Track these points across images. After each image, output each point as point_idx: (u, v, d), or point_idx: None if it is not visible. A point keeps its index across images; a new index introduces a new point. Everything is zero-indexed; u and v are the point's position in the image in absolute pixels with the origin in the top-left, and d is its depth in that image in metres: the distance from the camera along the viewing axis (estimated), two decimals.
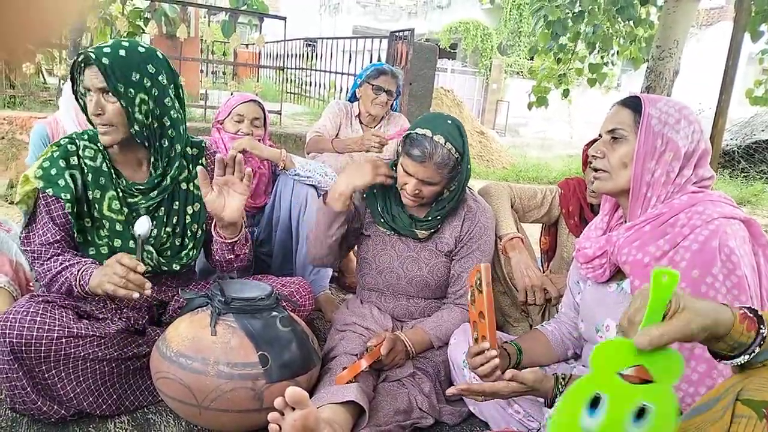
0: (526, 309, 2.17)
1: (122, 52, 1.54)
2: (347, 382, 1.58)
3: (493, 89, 17.98)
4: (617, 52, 8.02)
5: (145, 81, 1.57)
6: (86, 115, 1.62)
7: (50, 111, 3.65)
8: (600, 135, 1.45)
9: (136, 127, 1.59)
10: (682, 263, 1.23)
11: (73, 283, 1.53)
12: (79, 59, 1.56)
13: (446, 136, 1.73)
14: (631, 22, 7.58)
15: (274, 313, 1.61)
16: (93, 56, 1.51)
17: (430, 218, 1.88)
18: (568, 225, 2.19)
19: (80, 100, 1.65)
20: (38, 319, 1.47)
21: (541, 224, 2.35)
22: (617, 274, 1.44)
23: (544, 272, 2.27)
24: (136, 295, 1.44)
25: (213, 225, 1.75)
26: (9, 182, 4.13)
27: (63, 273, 1.55)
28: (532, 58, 13.11)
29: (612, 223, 1.51)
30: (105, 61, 1.51)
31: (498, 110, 17.72)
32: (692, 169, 1.34)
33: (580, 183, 2.17)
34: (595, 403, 0.83)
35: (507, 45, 18.92)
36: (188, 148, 1.80)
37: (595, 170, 1.42)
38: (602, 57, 7.76)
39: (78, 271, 1.53)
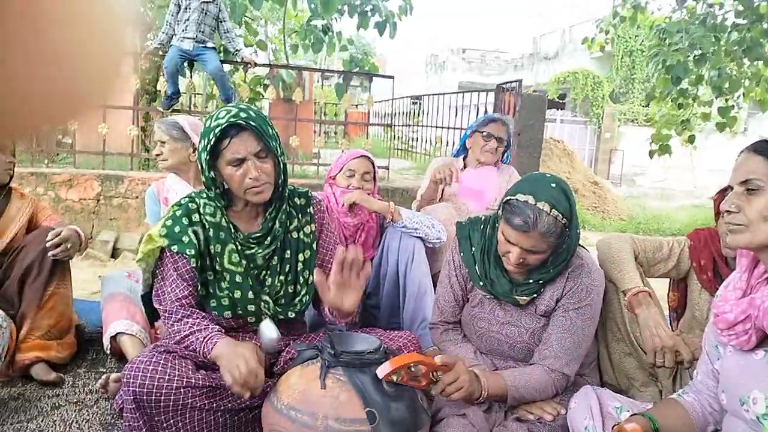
0: (655, 372, 1.98)
1: (254, 113, 1.64)
2: (386, 376, 1.47)
3: (605, 138, 17.36)
4: (743, 94, 7.49)
5: (275, 135, 1.68)
6: (214, 184, 1.69)
7: None
8: (730, 186, 1.31)
9: (279, 181, 1.70)
10: None
11: (198, 348, 1.59)
12: (220, 130, 1.59)
13: (551, 202, 1.60)
14: (758, 63, 7.07)
15: None
16: (244, 122, 1.59)
17: (531, 282, 1.75)
18: (700, 280, 1.99)
19: (207, 168, 1.66)
20: (159, 369, 1.53)
21: (669, 279, 2.16)
22: (765, 340, 1.27)
23: (673, 331, 2.08)
24: (248, 395, 1.48)
25: (328, 309, 1.78)
26: (140, 237, 4.51)
27: (189, 337, 1.61)
28: (647, 105, 12.56)
29: (753, 282, 1.34)
30: (254, 124, 1.60)
31: (612, 159, 17.03)
32: None
33: (713, 234, 1.98)
34: None
35: (619, 92, 18.31)
36: (296, 198, 1.86)
37: (729, 224, 1.29)
38: (726, 100, 7.27)
39: (204, 338, 1.59)
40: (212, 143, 1.61)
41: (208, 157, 1.64)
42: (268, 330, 1.61)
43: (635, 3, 8.14)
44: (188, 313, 1.66)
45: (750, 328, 1.26)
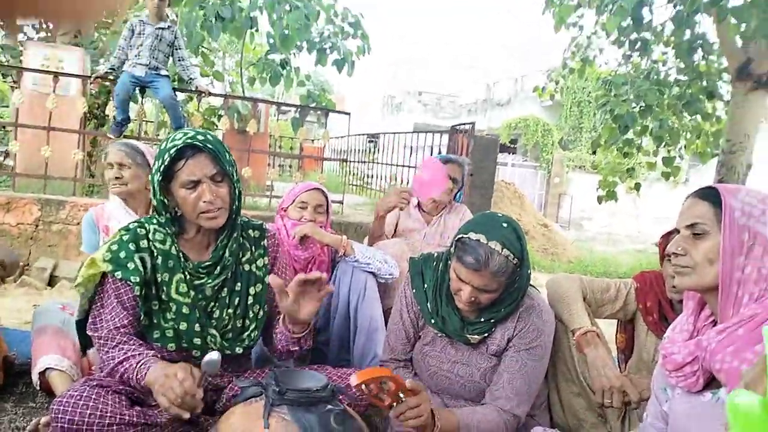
0: (604, 413, 1.97)
1: (210, 137, 1.59)
2: (357, 385, 1.42)
3: (554, 183, 17.91)
4: (684, 146, 7.89)
5: (232, 160, 1.64)
6: (165, 208, 1.63)
7: None
8: (676, 230, 1.35)
9: (233, 207, 1.64)
10: None
11: (131, 375, 1.51)
12: (175, 150, 1.54)
13: (503, 242, 1.61)
14: (698, 117, 7.49)
15: (329, 407, 1.51)
16: (201, 144, 1.54)
17: (482, 320, 1.74)
18: (646, 322, 2.03)
19: (160, 191, 1.60)
20: (91, 404, 1.44)
21: (616, 321, 2.19)
22: (712, 382, 1.28)
23: (621, 372, 2.09)
24: (186, 415, 1.39)
25: (282, 318, 1.71)
26: (80, 266, 4.30)
27: (124, 363, 1.53)
28: (594, 153, 13.08)
29: (699, 324, 1.36)
30: (211, 146, 1.56)
31: (561, 204, 17.54)
32: None
33: (658, 277, 2.03)
34: None
35: (568, 140, 19.02)
36: (250, 230, 1.80)
37: (676, 266, 1.31)
38: (669, 151, 7.64)
39: (137, 363, 1.50)
40: (167, 164, 1.55)
41: (161, 179, 1.58)
42: (210, 361, 1.51)
43: (584, 56, 8.55)
44: (125, 339, 1.57)
45: (697, 370, 1.27)
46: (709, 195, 1.28)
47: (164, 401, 1.38)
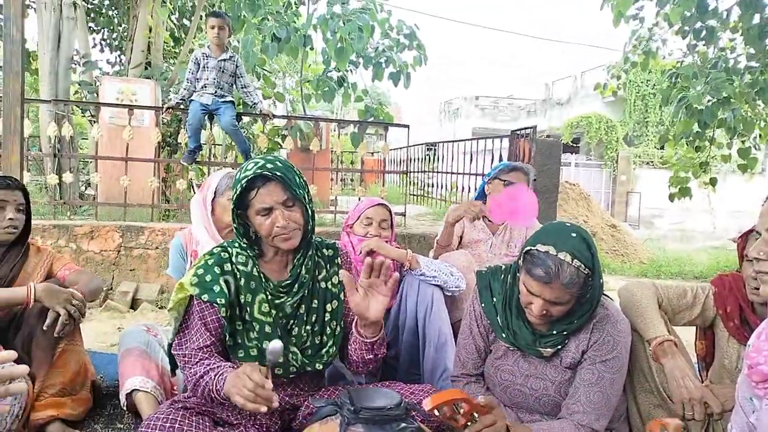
0: (686, 425, 1.90)
1: (280, 164, 1.66)
2: (430, 410, 1.43)
3: (621, 181, 17.33)
4: (759, 135, 7.48)
5: (302, 183, 1.70)
6: (245, 233, 1.72)
7: None
8: (757, 231, 1.28)
9: (308, 228, 1.72)
10: None
11: (211, 387, 1.57)
12: (247, 181, 1.63)
13: (573, 253, 1.58)
14: None
15: (403, 425, 1.53)
16: (270, 173, 1.62)
17: (554, 333, 1.72)
18: (727, 327, 1.94)
19: (236, 219, 1.70)
20: (176, 426, 1.52)
21: (695, 328, 2.11)
22: None
23: (702, 382, 2.01)
24: (263, 408, 1.44)
25: (354, 324, 1.76)
26: (160, 288, 4.52)
27: (204, 377, 1.60)
28: (662, 148, 12.57)
29: None
30: (280, 174, 1.63)
31: (629, 202, 16.95)
32: None
33: (737, 279, 1.94)
34: None
35: (633, 136, 18.37)
36: (324, 249, 1.87)
37: (759, 272, 1.25)
38: (743, 141, 7.26)
39: (215, 375, 1.57)
40: (240, 194, 1.64)
41: (237, 208, 1.68)
42: (273, 348, 1.55)
43: (646, 49, 8.26)
44: (206, 356, 1.65)
45: None
46: None
47: (239, 399, 1.44)
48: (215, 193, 2.52)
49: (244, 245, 1.74)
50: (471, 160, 6.42)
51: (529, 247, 1.66)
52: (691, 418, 1.69)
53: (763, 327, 1.36)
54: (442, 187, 7.93)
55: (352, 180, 12.03)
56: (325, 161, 7.38)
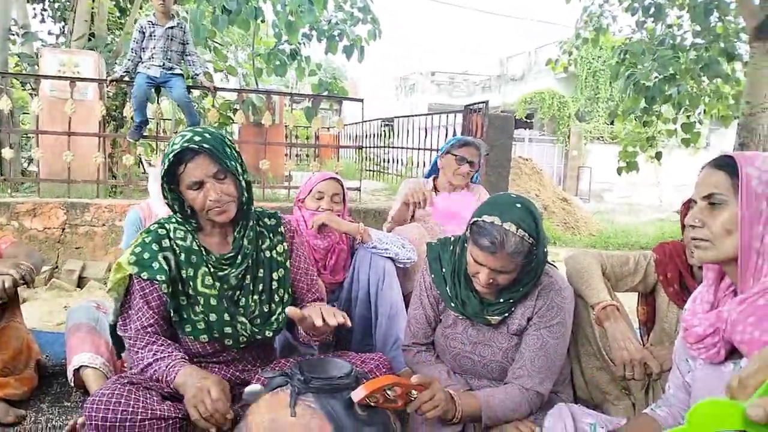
0: (627, 386, 1.98)
1: (209, 135, 1.63)
2: (361, 400, 1.45)
3: (573, 156, 17.72)
4: (704, 110, 7.75)
5: (234, 154, 1.67)
6: (181, 208, 1.68)
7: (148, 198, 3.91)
8: (693, 200, 1.33)
9: (242, 199, 1.69)
10: None
11: (161, 376, 1.58)
12: (174, 155, 1.59)
13: (517, 223, 1.61)
14: (717, 80, 7.33)
15: None
16: (198, 146, 1.58)
17: (501, 301, 1.76)
18: (667, 293, 2.02)
19: (169, 194, 1.67)
20: (123, 401, 1.49)
21: (637, 293, 2.19)
22: (734, 353, 1.28)
23: (644, 345, 2.09)
24: (213, 429, 1.47)
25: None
26: (108, 266, 4.40)
27: (153, 365, 1.59)
28: (612, 123, 12.90)
29: (719, 295, 1.35)
30: (208, 146, 1.59)
31: (580, 176, 17.38)
32: None
33: (678, 247, 2.01)
34: None
35: (584, 111, 18.75)
36: (266, 219, 1.85)
37: (695, 239, 1.29)
38: (688, 117, 7.51)
39: (167, 365, 1.57)
40: (170, 169, 1.61)
41: (168, 183, 1.64)
42: (251, 391, 1.58)
43: (597, 25, 8.39)
44: (153, 339, 1.64)
45: (718, 341, 1.26)
46: (725, 164, 1.25)
47: (194, 413, 1.46)
48: None
49: (181, 220, 1.71)
50: (426, 135, 6.43)
51: (475, 218, 1.68)
52: (632, 378, 1.76)
53: (699, 291, 1.41)
54: (398, 163, 7.93)
55: (307, 155, 11.91)
56: (278, 136, 7.27)
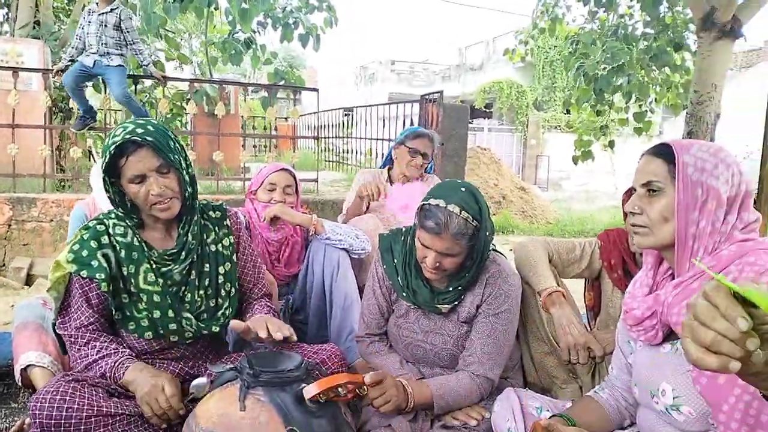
0: (574, 369, 2.04)
1: (152, 128, 1.59)
2: (313, 397, 1.46)
3: (531, 145, 17.99)
4: (655, 99, 7.94)
5: (177, 148, 1.64)
6: (122, 202, 1.64)
7: None
8: (634, 188, 1.36)
9: (186, 194, 1.66)
10: None
11: (108, 373, 1.55)
12: (116, 148, 1.55)
13: (461, 205, 1.65)
14: (667, 69, 7.53)
15: (304, 385, 1.54)
16: (140, 138, 1.54)
17: (450, 289, 1.80)
18: (611, 279, 2.08)
19: (111, 188, 1.63)
20: (68, 398, 1.46)
21: (584, 279, 2.24)
22: (671, 335, 1.32)
23: (591, 330, 2.15)
24: (164, 426, 1.48)
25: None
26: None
27: (99, 362, 1.57)
28: (568, 112, 13.16)
29: (658, 279, 1.39)
30: (151, 139, 1.55)
31: (538, 165, 17.65)
32: (736, 214, 1.24)
33: (621, 234, 2.07)
34: None
35: (542, 101, 19.04)
36: (211, 212, 1.82)
37: (634, 225, 1.33)
38: (640, 106, 7.69)
39: (114, 362, 1.55)
40: (112, 161, 1.57)
41: (109, 177, 1.60)
42: (198, 386, 1.56)
43: (553, 15, 8.51)
44: (95, 336, 1.61)
45: (656, 324, 1.30)
46: (663, 152, 1.28)
47: (147, 410, 1.46)
48: None
49: (122, 215, 1.67)
50: (384, 125, 6.43)
51: (422, 203, 1.72)
52: (576, 362, 1.81)
53: (639, 275, 1.46)
54: (358, 153, 7.91)
55: (265, 146, 11.77)
56: (233, 126, 7.15)
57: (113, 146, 1.55)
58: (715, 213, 1.22)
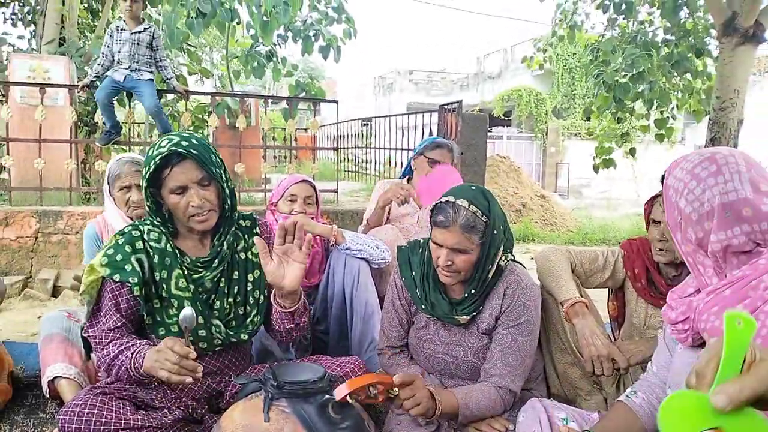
0: (598, 380, 2.02)
1: (195, 141, 1.62)
2: (343, 398, 1.46)
3: (551, 152, 17.87)
4: (677, 106, 7.86)
5: (218, 161, 1.67)
6: (158, 212, 1.67)
7: None
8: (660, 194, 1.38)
9: (225, 207, 1.69)
10: (764, 330, 1.11)
11: (129, 366, 1.54)
12: (161, 158, 1.57)
13: (470, 200, 1.69)
14: (688, 76, 7.45)
15: (327, 397, 1.55)
16: (185, 151, 1.57)
17: (467, 296, 1.79)
18: (635, 288, 2.05)
19: (150, 195, 1.65)
20: (96, 411, 1.48)
21: (607, 289, 2.22)
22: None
23: (614, 340, 2.13)
24: (189, 379, 1.44)
25: (273, 295, 1.76)
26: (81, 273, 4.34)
27: (119, 357, 1.57)
28: (588, 119, 13.06)
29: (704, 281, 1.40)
30: (195, 152, 1.58)
31: (558, 173, 17.52)
32: (725, 230, 1.20)
33: (644, 243, 2.05)
34: None
35: (561, 108, 18.92)
36: (241, 221, 1.85)
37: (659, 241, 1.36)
38: (661, 112, 7.62)
39: (132, 353, 1.54)
40: (154, 172, 1.59)
41: (150, 186, 1.63)
42: (185, 317, 1.51)
43: (571, 23, 8.48)
44: (118, 335, 1.61)
45: (688, 329, 1.28)
46: (665, 172, 1.32)
47: (164, 373, 1.43)
48: (109, 185, 2.43)
49: (157, 223, 1.69)
50: (403, 135, 6.45)
51: (434, 203, 1.76)
52: (600, 373, 1.79)
53: (687, 281, 1.42)
54: (377, 163, 7.94)
55: (285, 157, 11.86)
56: (255, 138, 7.23)
57: (158, 157, 1.58)
58: (687, 231, 1.24)
